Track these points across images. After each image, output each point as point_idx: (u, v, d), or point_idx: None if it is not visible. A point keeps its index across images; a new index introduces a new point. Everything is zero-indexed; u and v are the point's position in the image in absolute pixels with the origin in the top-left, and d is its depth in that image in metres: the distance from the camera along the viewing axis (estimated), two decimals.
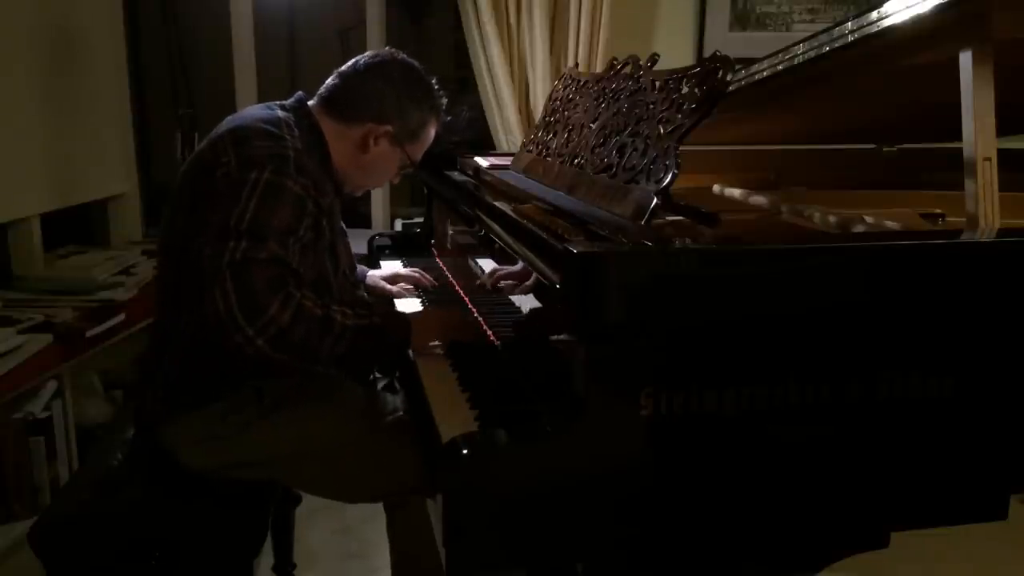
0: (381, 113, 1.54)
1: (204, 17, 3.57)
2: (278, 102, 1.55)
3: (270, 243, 1.27)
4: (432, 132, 1.64)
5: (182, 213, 1.41)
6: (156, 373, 1.47)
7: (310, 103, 1.56)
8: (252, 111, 1.50)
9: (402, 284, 1.93)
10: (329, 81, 1.59)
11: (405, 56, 1.61)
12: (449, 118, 1.68)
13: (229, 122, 1.46)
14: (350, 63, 1.59)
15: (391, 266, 2.14)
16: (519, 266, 1.57)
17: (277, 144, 1.39)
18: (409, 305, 1.86)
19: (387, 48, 1.63)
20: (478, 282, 1.71)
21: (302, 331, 1.26)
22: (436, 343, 1.48)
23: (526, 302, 1.50)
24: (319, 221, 1.43)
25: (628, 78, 1.54)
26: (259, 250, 1.26)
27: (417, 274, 1.97)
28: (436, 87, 1.62)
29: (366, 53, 1.61)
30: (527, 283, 1.51)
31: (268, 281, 1.25)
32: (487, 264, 1.71)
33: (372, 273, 1.96)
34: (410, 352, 1.48)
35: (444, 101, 1.64)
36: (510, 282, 1.60)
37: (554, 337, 1.26)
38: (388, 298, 1.90)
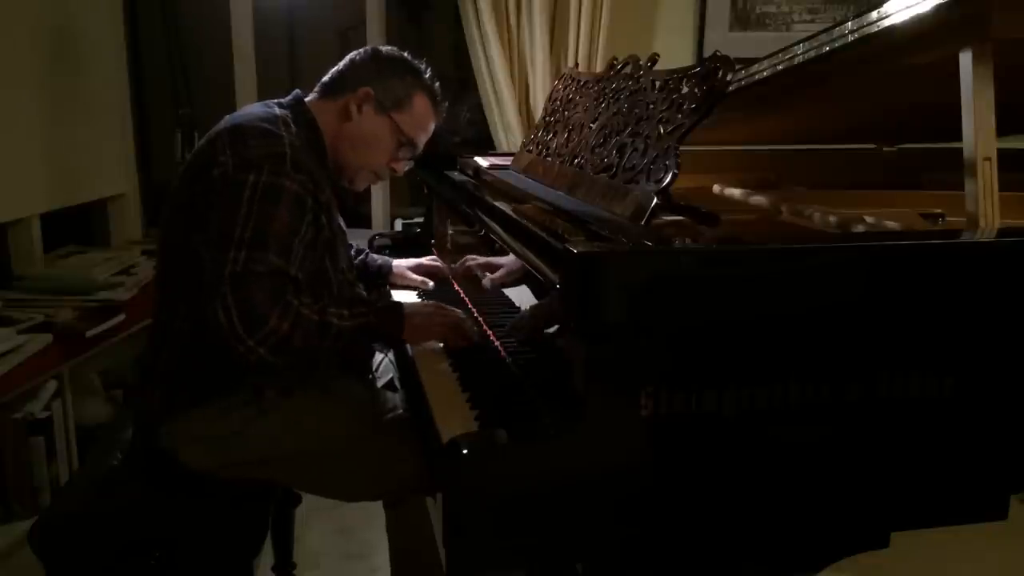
0: (359, 79, 1.56)
1: (204, 17, 3.56)
2: (276, 100, 1.56)
3: (270, 254, 1.29)
4: (425, 107, 1.61)
5: (181, 211, 1.43)
6: (154, 370, 1.47)
7: (307, 100, 1.58)
8: (251, 109, 1.51)
9: (423, 277, 1.97)
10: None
11: (396, 48, 1.64)
12: (446, 103, 1.67)
13: (227, 120, 1.47)
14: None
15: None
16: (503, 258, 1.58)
17: (273, 142, 1.40)
18: (408, 298, 1.87)
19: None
20: (485, 282, 1.71)
21: (301, 337, 1.30)
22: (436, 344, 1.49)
23: (526, 301, 1.50)
24: (318, 216, 1.44)
25: (628, 78, 1.53)
26: (259, 262, 1.28)
27: (439, 264, 2.01)
28: (424, 68, 1.62)
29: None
30: (505, 270, 1.52)
31: (267, 293, 1.28)
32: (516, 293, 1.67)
33: (397, 263, 2.00)
34: (410, 351, 1.49)
35: (436, 83, 1.63)
36: (493, 275, 1.61)
37: (554, 337, 1.26)
38: (389, 290, 1.93)
